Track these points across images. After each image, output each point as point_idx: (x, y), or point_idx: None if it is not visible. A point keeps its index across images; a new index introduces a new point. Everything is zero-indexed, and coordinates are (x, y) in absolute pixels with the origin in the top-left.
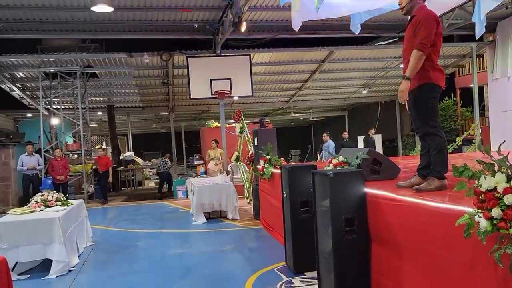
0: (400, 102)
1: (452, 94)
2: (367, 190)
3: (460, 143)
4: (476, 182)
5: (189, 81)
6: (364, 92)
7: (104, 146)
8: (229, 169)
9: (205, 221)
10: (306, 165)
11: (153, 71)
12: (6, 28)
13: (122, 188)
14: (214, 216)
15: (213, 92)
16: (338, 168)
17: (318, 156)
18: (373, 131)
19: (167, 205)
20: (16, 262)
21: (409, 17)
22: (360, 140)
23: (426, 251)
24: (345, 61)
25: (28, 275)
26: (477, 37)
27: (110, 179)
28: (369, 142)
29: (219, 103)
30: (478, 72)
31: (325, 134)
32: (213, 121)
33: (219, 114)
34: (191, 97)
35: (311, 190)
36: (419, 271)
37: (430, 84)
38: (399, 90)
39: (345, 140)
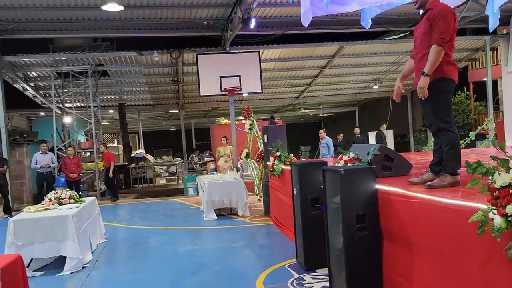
0: (420, 97)
1: (465, 88)
2: (378, 186)
3: (474, 138)
4: (490, 178)
5: (198, 78)
6: (375, 87)
7: (104, 142)
8: (239, 166)
9: (216, 217)
10: (316, 162)
11: (163, 69)
12: (18, 28)
13: (134, 185)
14: (225, 213)
15: (222, 89)
16: (349, 164)
17: None
18: (384, 126)
19: (177, 202)
20: (31, 259)
21: (422, 11)
22: (372, 135)
23: (438, 248)
24: (355, 56)
25: (43, 272)
26: (490, 30)
27: (110, 174)
28: (381, 138)
29: (229, 100)
30: (491, 66)
31: (321, 131)
32: (223, 118)
33: (229, 111)
34: (201, 94)
35: (322, 186)
36: (431, 268)
37: (444, 78)
38: (419, 86)
39: (356, 136)
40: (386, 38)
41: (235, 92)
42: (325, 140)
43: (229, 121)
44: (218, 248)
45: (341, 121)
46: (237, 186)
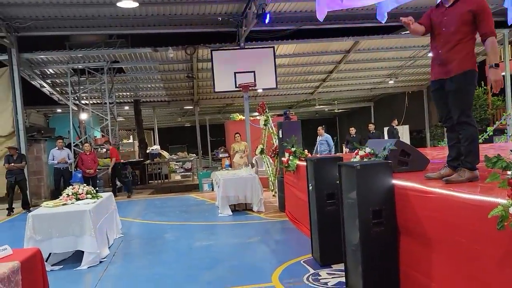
0: (496, 91)
1: (483, 83)
2: (395, 181)
3: (491, 133)
4: (510, 173)
5: (213, 74)
6: (391, 82)
7: (108, 139)
8: (253, 161)
9: (231, 213)
10: (332, 157)
11: (177, 65)
12: (35, 25)
13: (149, 181)
14: (240, 209)
15: (237, 85)
16: (365, 159)
17: (344, 148)
18: (396, 121)
19: (193, 197)
20: (50, 253)
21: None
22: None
23: (456, 244)
24: (371, 51)
25: (61, 266)
26: (509, 23)
27: (109, 170)
28: (393, 133)
29: (243, 96)
30: (510, 60)
31: (320, 128)
32: (238, 114)
33: (244, 107)
34: (215, 91)
35: (337, 182)
36: (449, 263)
37: (473, 71)
38: (495, 79)
39: (371, 132)
40: (402, 33)
41: (250, 88)
42: (325, 137)
43: (243, 117)
44: (233, 244)
45: (356, 117)
46: (252, 182)
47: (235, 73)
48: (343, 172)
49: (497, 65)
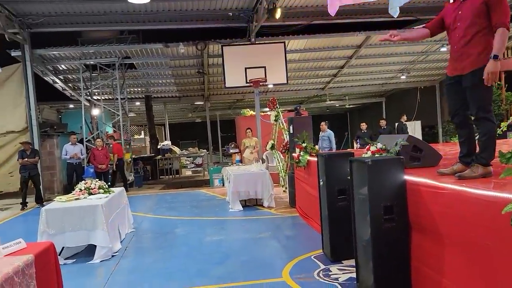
0: (488, 84)
1: None
2: (407, 177)
3: (505, 128)
4: None
5: (224, 70)
6: (403, 77)
7: (111, 134)
8: (264, 157)
9: (241, 208)
10: (343, 153)
11: (188, 61)
12: (48, 22)
13: (160, 177)
14: (250, 204)
15: (247, 81)
16: (376, 155)
17: (355, 143)
18: (405, 117)
19: (203, 193)
20: (63, 247)
21: None
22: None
23: (469, 240)
24: (382, 45)
25: (74, 260)
26: None
27: (113, 167)
28: (402, 130)
29: (254, 91)
30: None
31: (323, 123)
32: (248, 109)
33: (254, 103)
34: (226, 86)
35: (349, 177)
36: (461, 260)
37: None
38: (491, 71)
39: (382, 128)
40: (415, 27)
41: (260, 83)
42: (327, 133)
43: (254, 113)
44: (244, 239)
45: (368, 112)
46: (262, 177)
47: (245, 68)
48: (355, 167)
49: (496, 57)
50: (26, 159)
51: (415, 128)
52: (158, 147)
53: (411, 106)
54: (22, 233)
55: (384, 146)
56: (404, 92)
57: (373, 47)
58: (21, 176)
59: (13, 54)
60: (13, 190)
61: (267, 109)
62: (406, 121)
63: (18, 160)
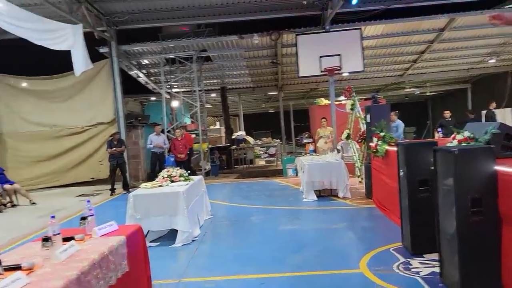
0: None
1: None
2: (498, 168)
3: None
4: None
5: (297, 59)
6: (491, 61)
7: (183, 125)
8: (339, 147)
9: (316, 198)
10: (425, 142)
11: (262, 52)
12: (132, 19)
13: (235, 166)
14: (325, 194)
15: (322, 69)
16: (463, 144)
17: (436, 133)
18: (494, 104)
19: (277, 182)
20: (148, 231)
21: None
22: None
23: None
24: (468, 28)
25: (158, 243)
26: None
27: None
28: (491, 118)
29: (329, 80)
30: None
31: (392, 113)
32: (322, 98)
33: (328, 92)
34: (300, 75)
35: (432, 168)
36: None
37: None
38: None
39: (446, 120)
40: (506, 6)
41: (335, 72)
42: (397, 123)
43: (328, 102)
44: (318, 229)
45: (451, 100)
46: (337, 168)
47: (320, 57)
48: (439, 157)
49: None
50: (114, 148)
51: (505, 116)
52: (233, 137)
53: (501, 92)
54: (112, 216)
55: (472, 135)
56: (493, 77)
57: (458, 30)
58: (110, 164)
59: (101, 50)
60: (103, 177)
61: (342, 98)
62: (495, 108)
63: (107, 149)
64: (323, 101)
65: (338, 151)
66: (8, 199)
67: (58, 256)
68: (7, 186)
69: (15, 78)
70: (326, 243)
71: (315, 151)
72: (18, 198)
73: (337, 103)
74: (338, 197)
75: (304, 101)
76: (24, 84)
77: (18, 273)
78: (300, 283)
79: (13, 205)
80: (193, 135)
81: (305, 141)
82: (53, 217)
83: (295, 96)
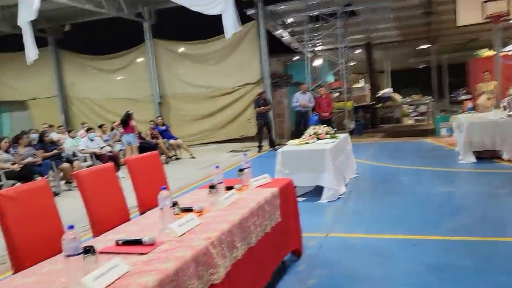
0: None
1: None
2: None
3: None
4: None
5: (456, 6)
6: None
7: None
8: (505, 103)
9: (474, 160)
10: None
11: (413, 1)
12: None
13: (380, 125)
14: (485, 156)
15: (486, 16)
16: None
17: None
18: None
19: (429, 142)
20: (295, 186)
21: None
22: None
23: None
24: None
25: (305, 198)
26: None
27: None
28: None
29: (493, 29)
30: None
31: None
32: (485, 49)
33: (492, 42)
34: (458, 25)
35: None
36: None
37: None
38: None
39: None
40: None
41: (502, 18)
42: None
43: (492, 53)
44: (477, 193)
45: None
46: (503, 126)
47: (483, 2)
48: None
49: None
50: (262, 107)
51: None
52: (378, 95)
53: None
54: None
55: None
56: None
57: None
58: (258, 122)
59: (248, 13)
60: (251, 135)
61: (509, 48)
62: None
63: (254, 108)
64: (486, 53)
65: (505, 108)
66: (173, 152)
67: (222, 202)
68: (172, 141)
69: (174, 43)
70: (487, 208)
71: (474, 108)
72: (181, 152)
73: (503, 54)
74: (502, 159)
75: (459, 54)
76: (181, 49)
77: (191, 214)
78: (458, 248)
79: (177, 158)
80: (337, 93)
81: (462, 97)
82: (217, 167)
83: (450, 49)
